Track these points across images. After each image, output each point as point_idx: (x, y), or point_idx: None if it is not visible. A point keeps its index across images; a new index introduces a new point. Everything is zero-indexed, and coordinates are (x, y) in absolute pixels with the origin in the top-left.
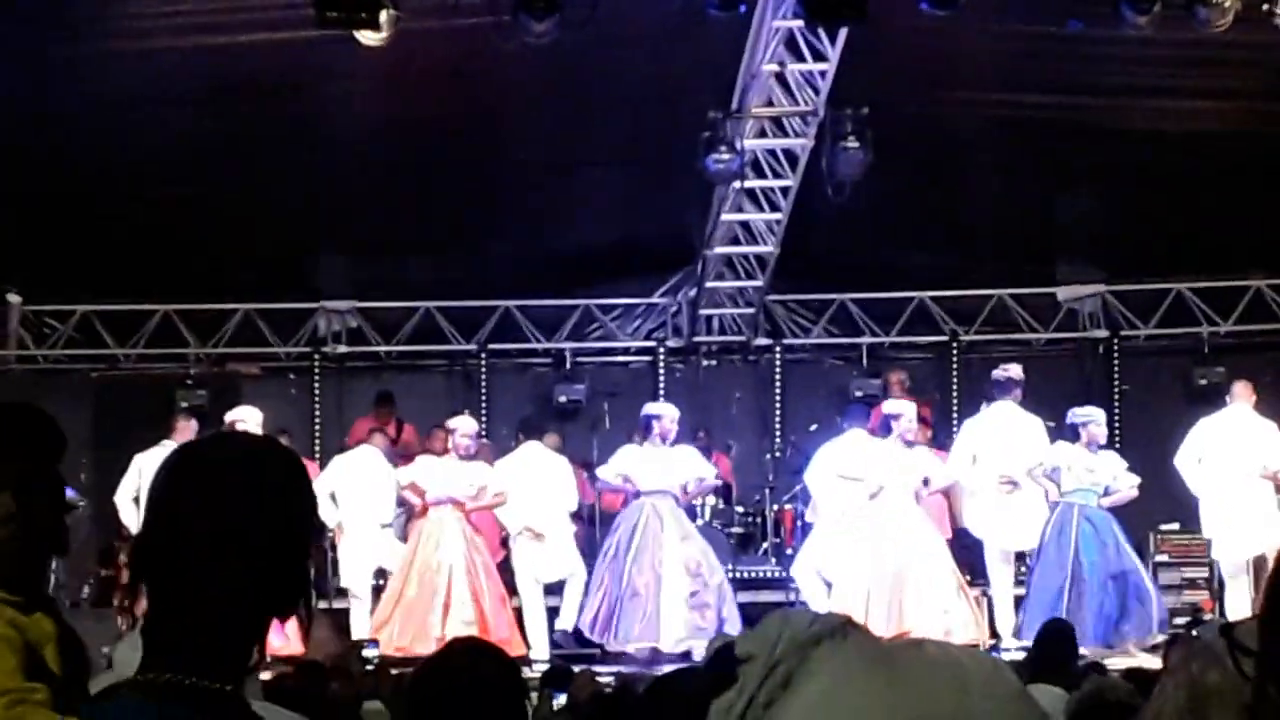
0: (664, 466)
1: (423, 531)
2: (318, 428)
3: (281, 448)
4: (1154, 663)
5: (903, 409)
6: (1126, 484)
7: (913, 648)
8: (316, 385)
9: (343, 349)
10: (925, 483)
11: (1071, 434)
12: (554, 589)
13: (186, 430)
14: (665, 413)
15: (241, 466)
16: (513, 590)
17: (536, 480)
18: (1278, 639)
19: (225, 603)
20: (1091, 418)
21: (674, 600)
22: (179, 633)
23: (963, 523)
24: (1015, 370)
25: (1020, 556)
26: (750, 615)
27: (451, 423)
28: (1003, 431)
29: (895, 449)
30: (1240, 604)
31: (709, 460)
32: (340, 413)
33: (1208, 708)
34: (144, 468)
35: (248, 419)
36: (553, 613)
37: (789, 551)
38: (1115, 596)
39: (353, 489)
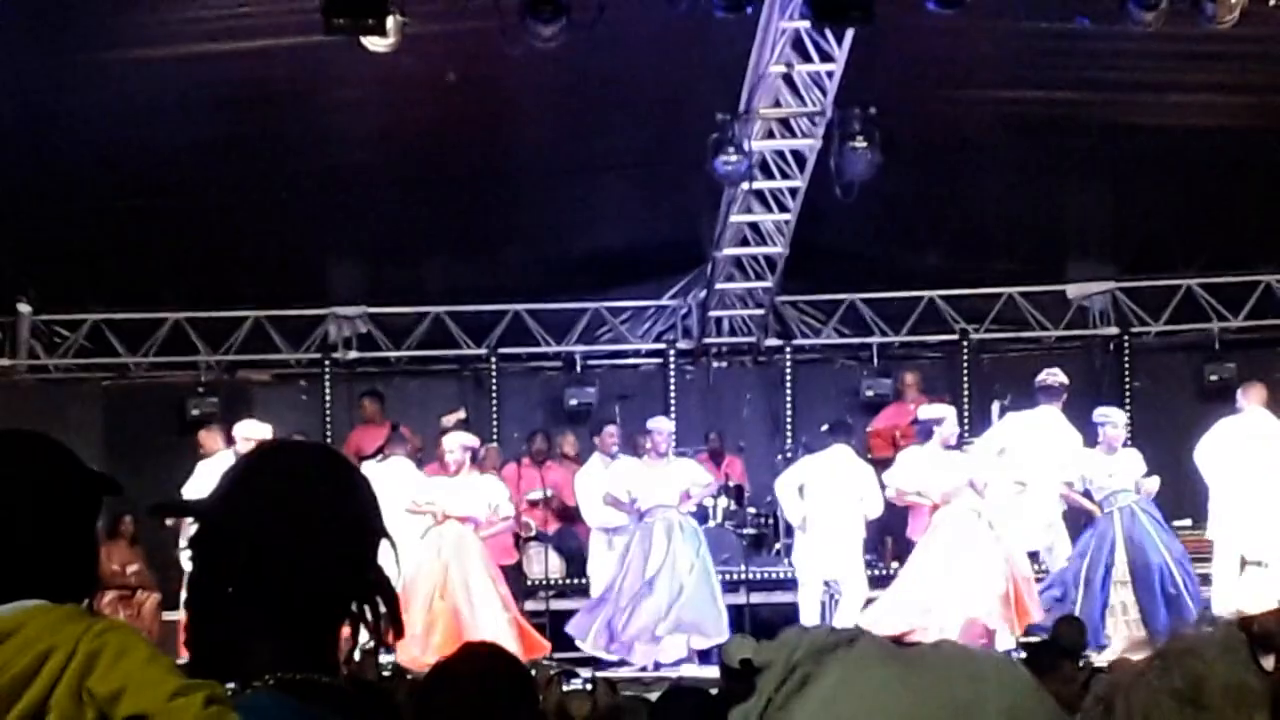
0: (663, 481)
1: (433, 545)
2: (329, 434)
3: (339, 455)
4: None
5: (943, 413)
6: (1146, 488)
7: (927, 646)
8: (327, 391)
9: (353, 355)
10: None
11: (1091, 436)
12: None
13: (213, 439)
14: (657, 427)
15: (316, 469)
16: (518, 595)
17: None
18: None
19: (315, 600)
20: (1108, 418)
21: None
22: (276, 635)
23: None
24: (1058, 375)
25: (1033, 555)
26: (762, 615)
27: (447, 441)
28: (1040, 434)
29: (937, 454)
30: (1228, 602)
31: (720, 463)
32: (351, 418)
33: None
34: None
35: (255, 434)
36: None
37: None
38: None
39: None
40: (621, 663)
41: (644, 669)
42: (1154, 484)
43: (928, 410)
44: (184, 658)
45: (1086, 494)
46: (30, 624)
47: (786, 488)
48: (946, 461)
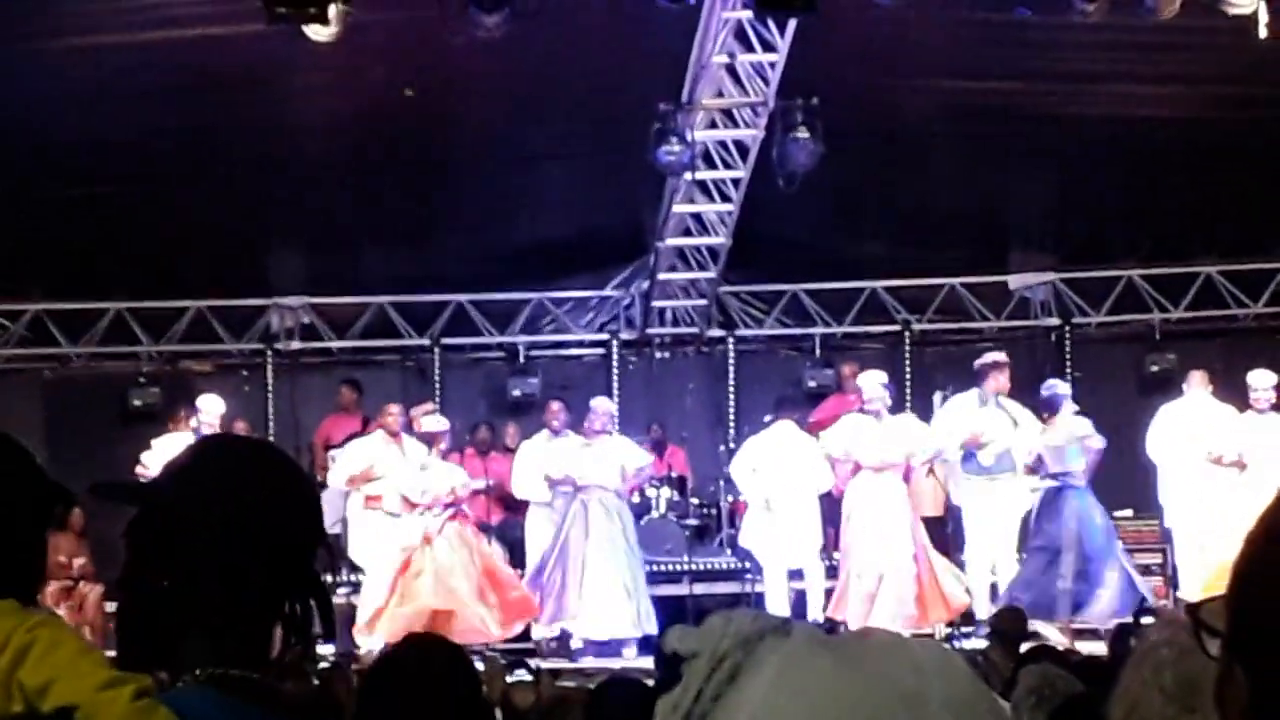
0: (600, 458)
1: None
2: (271, 424)
3: (279, 451)
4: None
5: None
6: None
7: (860, 635)
8: (269, 382)
9: (295, 345)
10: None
11: (1047, 408)
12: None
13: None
14: (597, 406)
15: (257, 465)
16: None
17: None
18: (1245, 618)
19: (249, 598)
20: (1052, 390)
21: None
22: (209, 630)
23: (955, 501)
24: (994, 356)
25: None
26: (705, 606)
27: (426, 424)
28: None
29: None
30: (1195, 591)
31: (663, 454)
32: (294, 408)
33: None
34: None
35: (209, 409)
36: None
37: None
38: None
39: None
40: (566, 652)
41: (582, 647)
42: (1098, 442)
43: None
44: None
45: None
46: None
47: (741, 470)
48: (885, 432)
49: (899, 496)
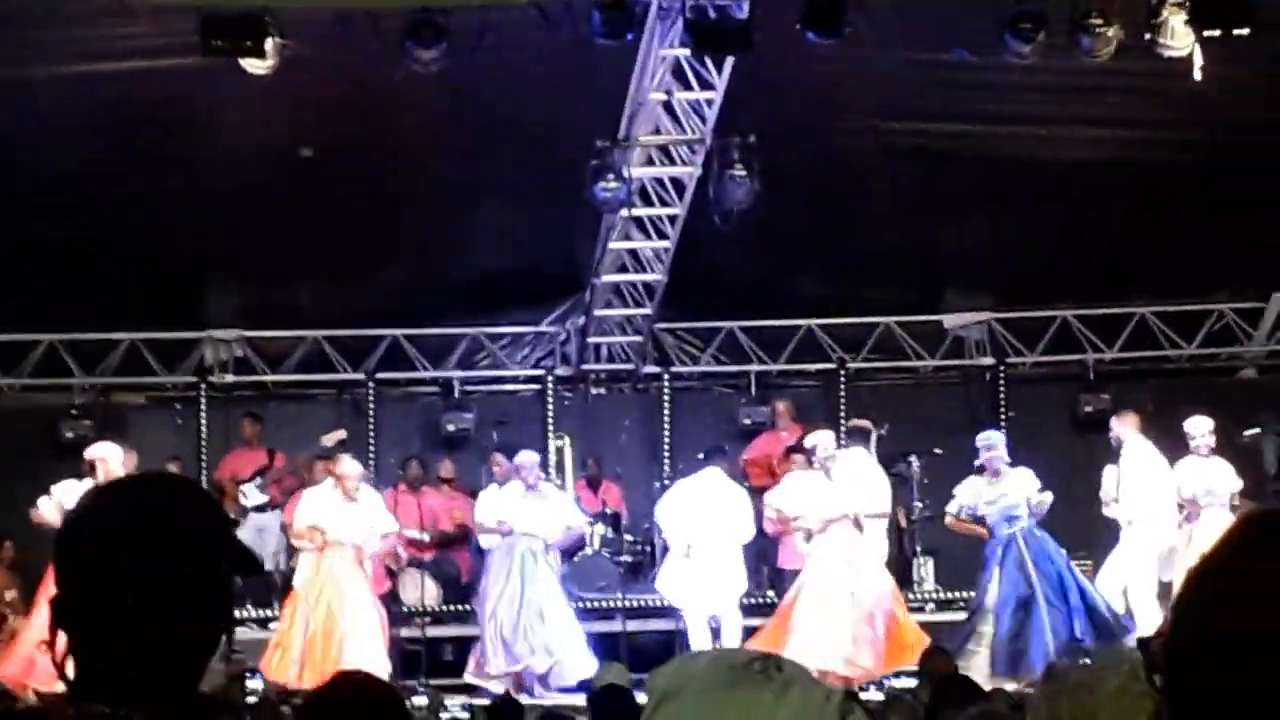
0: (540, 511)
1: (319, 568)
2: (204, 458)
3: (194, 485)
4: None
5: (993, 439)
6: (1040, 501)
7: (769, 665)
8: (203, 415)
9: (229, 378)
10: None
11: (970, 466)
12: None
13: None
14: (522, 461)
15: (160, 505)
16: (394, 621)
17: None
18: (1181, 659)
19: (152, 636)
20: (987, 441)
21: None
22: (109, 666)
23: None
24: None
25: None
26: (638, 643)
27: (342, 469)
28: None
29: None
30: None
31: (598, 490)
32: (227, 443)
33: None
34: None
35: (109, 457)
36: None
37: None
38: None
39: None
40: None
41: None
42: (1047, 499)
43: (813, 438)
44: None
45: (977, 520)
46: None
47: (667, 514)
48: (828, 489)
49: (854, 546)
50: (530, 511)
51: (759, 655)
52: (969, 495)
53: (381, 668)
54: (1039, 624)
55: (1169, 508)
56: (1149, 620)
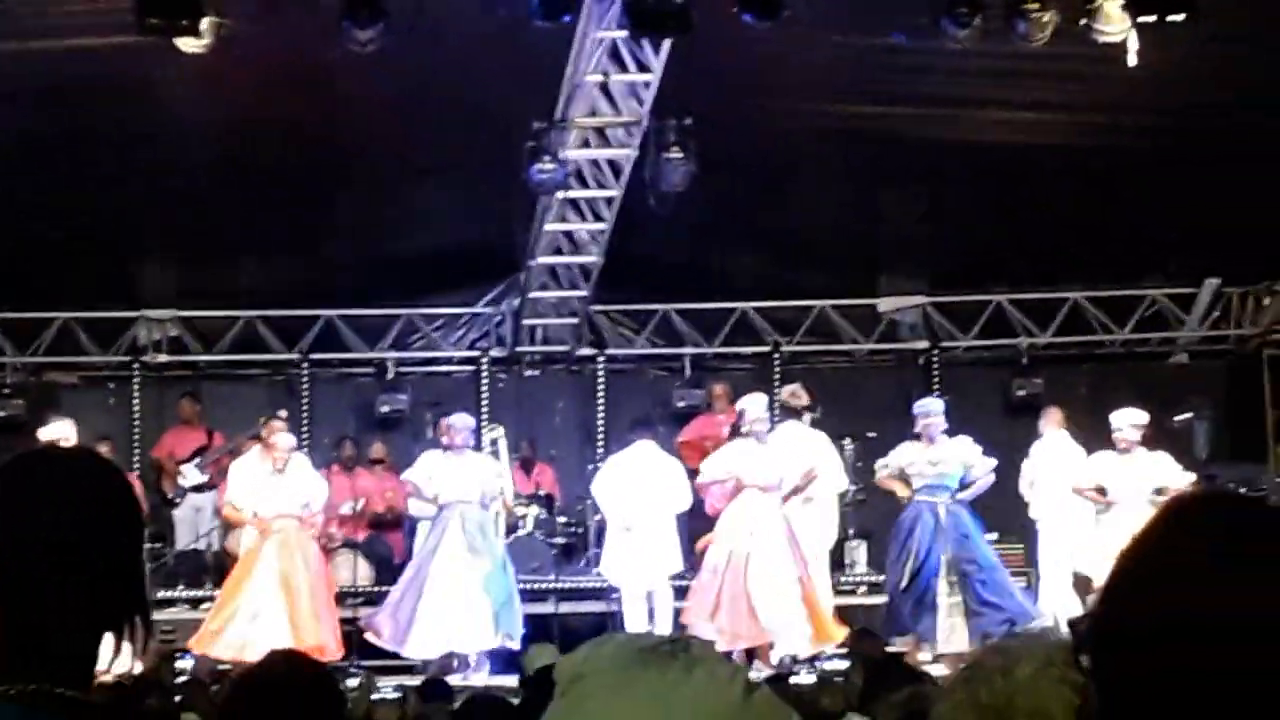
0: (461, 473)
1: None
2: (136, 437)
3: (106, 462)
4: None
5: (931, 406)
6: (983, 469)
7: (678, 646)
8: (136, 395)
9: (163, 358)
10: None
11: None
12: None
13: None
14: (454, 422)
15: (70, 480)
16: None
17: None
18: (1109, 640)
19: (67, 615)
20: (924, 410)
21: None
22: (29, 645)
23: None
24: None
25: None
26: (571, 625)
27: (274, 438)
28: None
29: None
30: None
31: (531, 472)
32: (160, 422)
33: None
34: None
35: (71, 436)
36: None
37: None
38: (963, 593)
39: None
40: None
41: (424, 662)
42: (990, 464)
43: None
44: None
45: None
46: None
47: (603, 490)
48: (761, 454)
49: (779, 517)
50: (455, 475)
51: (668, 638)
52: (904, 459)
53: (332, 646)
54: (933, 593)
55: (1077, 505)
56: (1059, 608)
